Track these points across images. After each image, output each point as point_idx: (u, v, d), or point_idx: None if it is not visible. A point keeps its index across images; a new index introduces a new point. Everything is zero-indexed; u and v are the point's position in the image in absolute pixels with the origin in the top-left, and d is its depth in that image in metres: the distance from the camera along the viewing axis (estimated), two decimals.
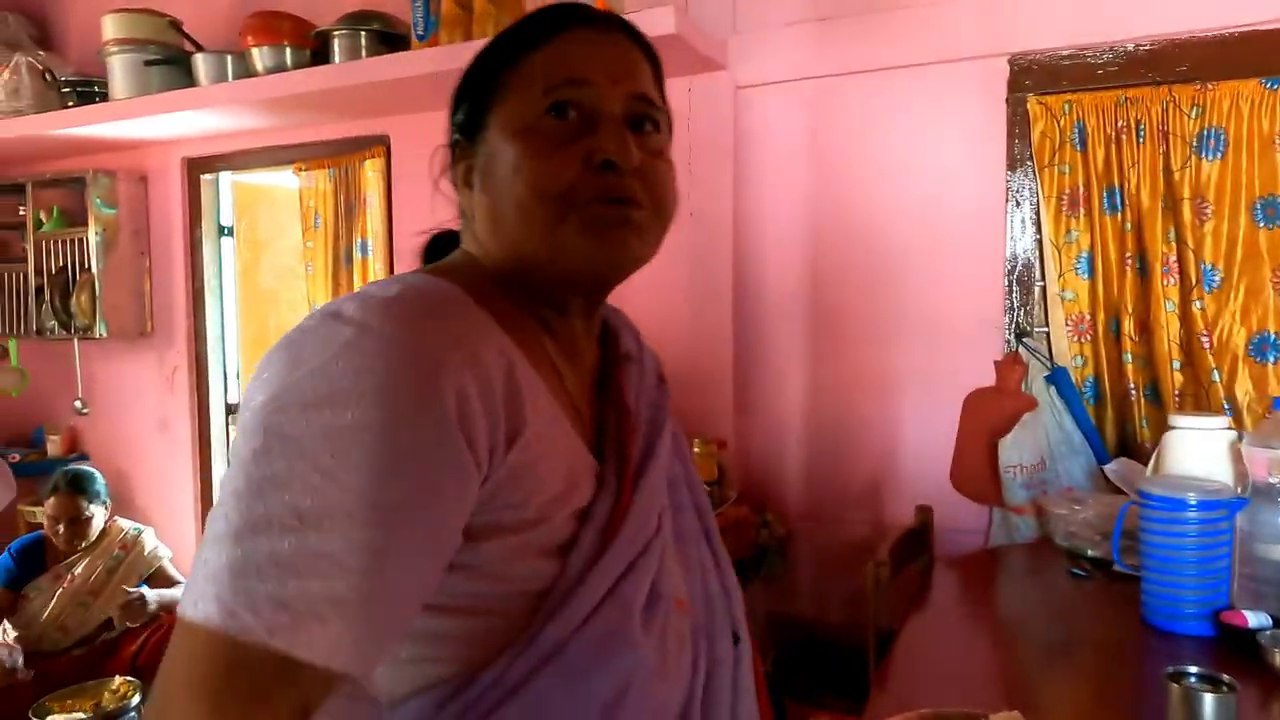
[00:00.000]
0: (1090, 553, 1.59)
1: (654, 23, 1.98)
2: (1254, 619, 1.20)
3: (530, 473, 0.56)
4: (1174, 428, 1.42)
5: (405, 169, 2.71)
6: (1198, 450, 1.37)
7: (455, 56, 2.22)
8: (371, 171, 2.70)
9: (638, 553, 0.60)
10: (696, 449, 2.06)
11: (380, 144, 2.69)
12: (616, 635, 0.57)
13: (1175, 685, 0.90)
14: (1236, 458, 1.35)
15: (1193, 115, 1.88)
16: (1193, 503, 1.25)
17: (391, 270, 2.74)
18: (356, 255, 2.75)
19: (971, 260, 2.10)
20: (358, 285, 2.77)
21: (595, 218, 0.62)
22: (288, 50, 2.50)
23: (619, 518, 0.60)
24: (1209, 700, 0.87)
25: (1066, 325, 2.02)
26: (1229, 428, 1.39)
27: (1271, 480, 1.27)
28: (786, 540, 2.23)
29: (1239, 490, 1.31)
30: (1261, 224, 1.85)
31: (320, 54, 2.49)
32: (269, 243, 3.46)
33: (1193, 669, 0.92)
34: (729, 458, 2.20)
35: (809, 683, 1.94)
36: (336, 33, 2.42)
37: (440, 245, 0.74)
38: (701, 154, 2.31)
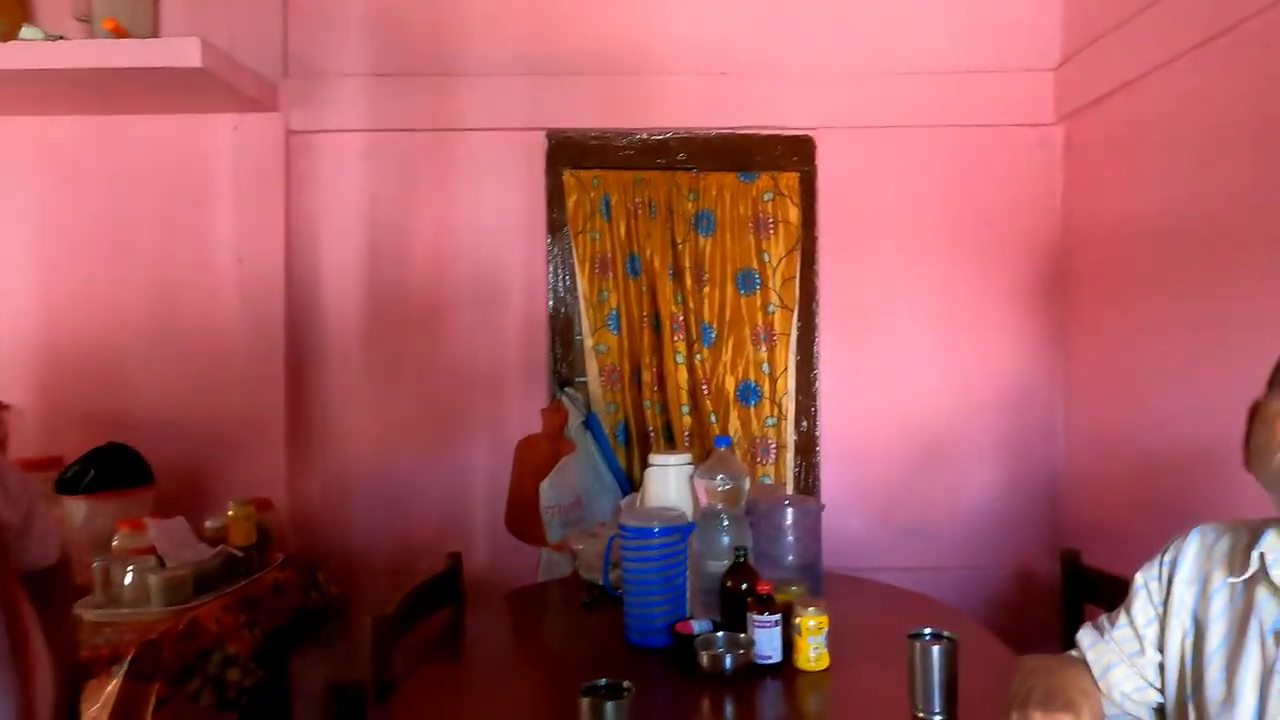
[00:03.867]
0: (600, 583, 1.76)
1: (179, 54, 1.84)
2: (698, 626, 1.41)
3: None
4: (650, 464, 1.63)
5: None
6: (666, 484, 1.59)
7: None
8: None
9: None
10: (231, 512, 1.91)
11: None
12: None
13: (584, 699, 1.02)
14: (692, 488, 1.59)
15: (690, 198, 2.23)
16: (653, 529, 1.44)
17: None
18: None
19: (520, 314, 2.25)
20: None
21: None
22: None
23: None
24: (609, 708, 1.00)
25: (600, 375, 2.25)
26: (689, 463, 1.63)
27: (713, 505, 1.51)
28: (342, 600, 2.14)
29: (694, 517, 1.54)
30: (743, 291, 2.24)
31: None
32: None
33: (601, 681, 1.04)
34: (275, 518, 2.07)
35: None
36: None
37: None
38: (250, 196, 2.18)
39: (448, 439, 2.24)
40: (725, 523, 1.49)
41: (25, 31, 1.89)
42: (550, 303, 2.25)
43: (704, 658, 1.32)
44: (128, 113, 2.15)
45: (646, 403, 2.22)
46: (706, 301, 2.24)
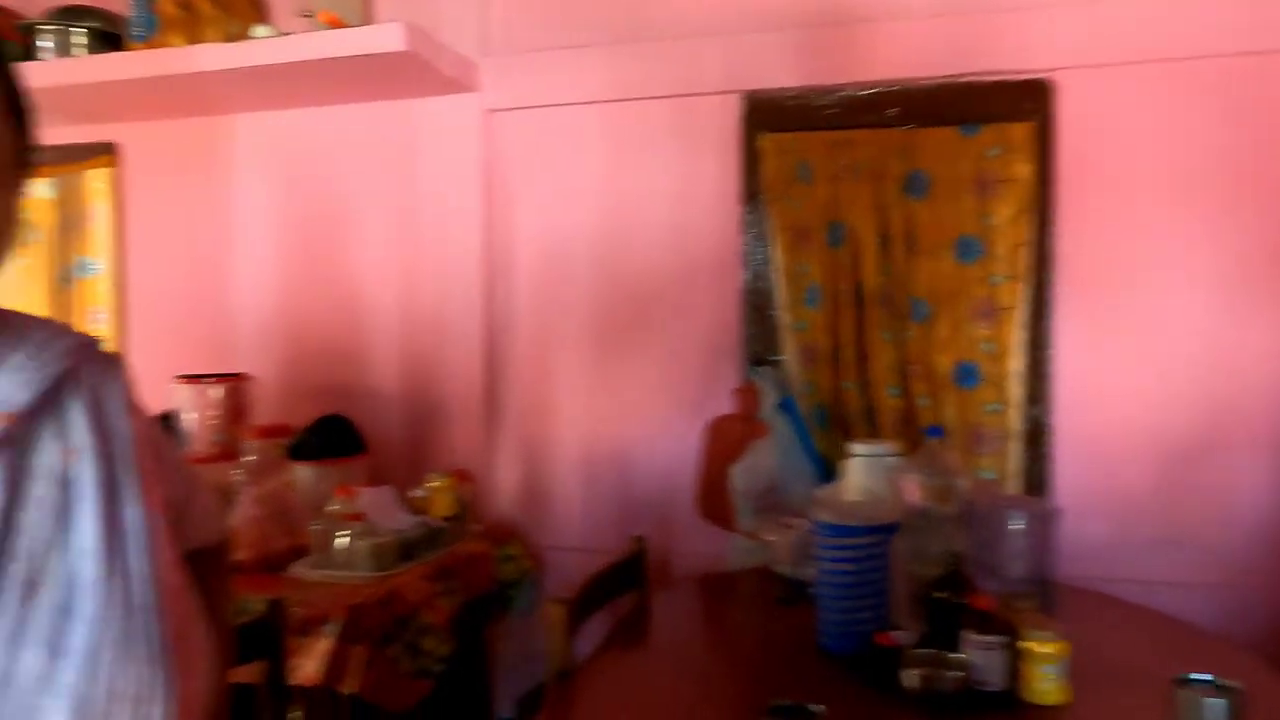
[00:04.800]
0: (794, 578, 1.63)
1: (384, 39, 1.91)
2: (902, 638, 1.25)
3: None
4: (851, 453, 1.47)
5: (141, 182, 2.49)
6: (869, 476, 1.43)
7: (182, 61, 2.06)
8: (97, 182, 2.46)
9: None
10: (433, 483, 1.98)
11: (106, 152, 2.45)
12: None
13: None
14: (898, 483, 1.41)
15: (902, 158, 2.01)
16: (853, 528, 1.29)
17: (123, 292, 2.49)
18: (75, 275, 2.48)
19: (712, 289, 2.14)
20: (79, 310, 2.51)
21: None
22: None
23: None
24: None
25: (798, 354, 2.09)
26: (894, 454, 1.45)
27: (923, 503, 1.33)
28: (535, 575, 2.17)
29: (898, 514, 1.37)
30: (962, 260, 1.99)
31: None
32: None
33: (786, 701, 0.93)
34: (472, 491, 2.13)
35: None
36: (44, 27, 2.19)
37: None
38: (450, 178, 2.24)
39: (637, 417, 2.20)
40: (936, 524, 1.31)
41: (258, 30, 2.04)
42: (744, 276, 2.12)
43: (909, 677, 1.16)
44: (343, 103, 2.28)
45: (847, 384, 2.04)
46: (918, 272, 2.01)
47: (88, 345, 0.67)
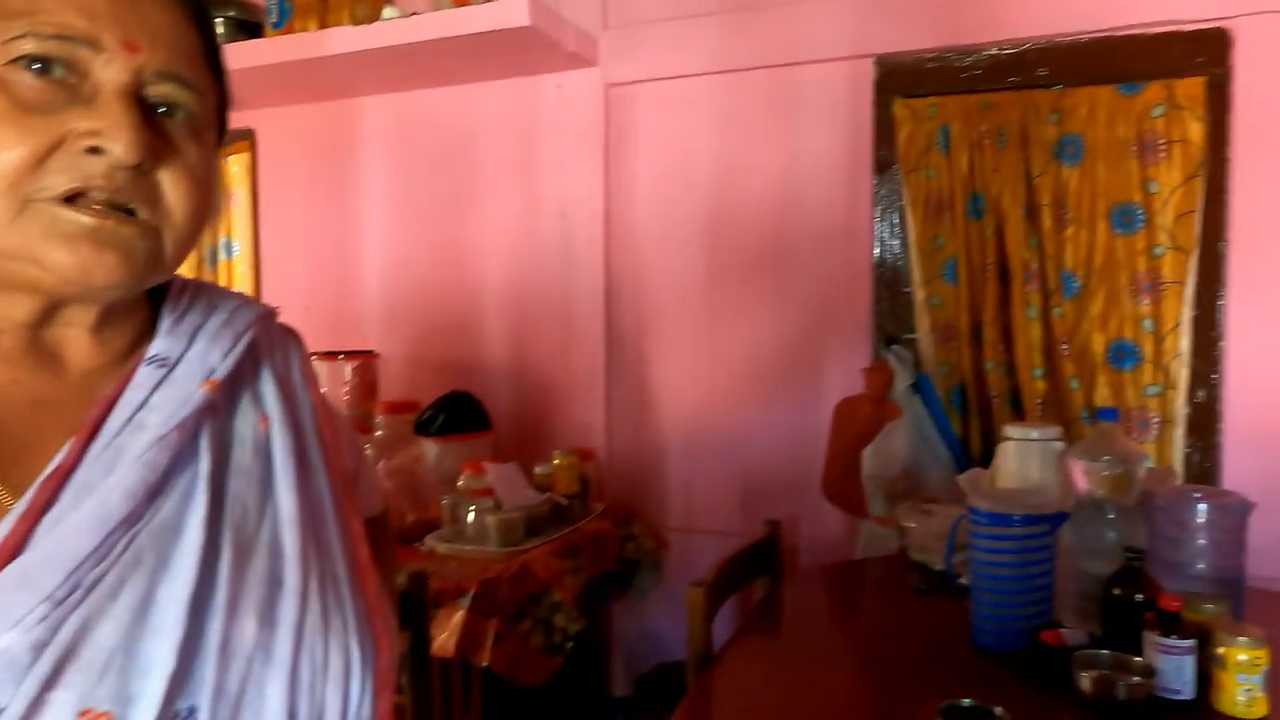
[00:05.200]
0: (935, 567, 1.55)
1: (507, 15, 1.89)
2: (1071, 637, 1.15)
3: None
4: (1006, 438, 1.38)
5: (275, 165, 2.58)
6: (1028, 462, 1.33)
7: (313, 45, 2.10)
8: (236, 166, 2.56)
9: None
10: (556, 460, 1.98)
11: (244, 139, 2.55)
12: None
13: None
14: (1064, 469, 1.31)
15: (1052, 121, 1.86)
16: (1014, 517, 1.21)
17: (259, 273, 2.60)
18: (221, 256, 2.60)
19: (844, 263, 2.06)
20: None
21: (67, 223, 0.49)
22: None
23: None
24: None
25: (933, 332, 1.99)
26: (1058, 439, 1.35)
27: (1094, 493, 1.23)
28: (657, 555, 2.15)
29: (1065, 504, 1.27)
30: (1119, 231, 1.84)
31: None
32: None
33: (966, 701, 0.86)
34: (595, 468, 2.12)
35: (669, 705, 1.86)
36: None
37: None
38: (571, 154, 2.23)
39: (763, 397, 2.14)
40: (1111, 515, 1.20)
41: (386, 12, 2.06)
42: (876, 251, 2.02)
43: (1085, 680, 1.06)
44: (467, 82, 2.29)
45: (989, 364, 1.92)
46: (1069, 244, 1.86)
47: (269, 316, 0.67)
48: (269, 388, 0.61)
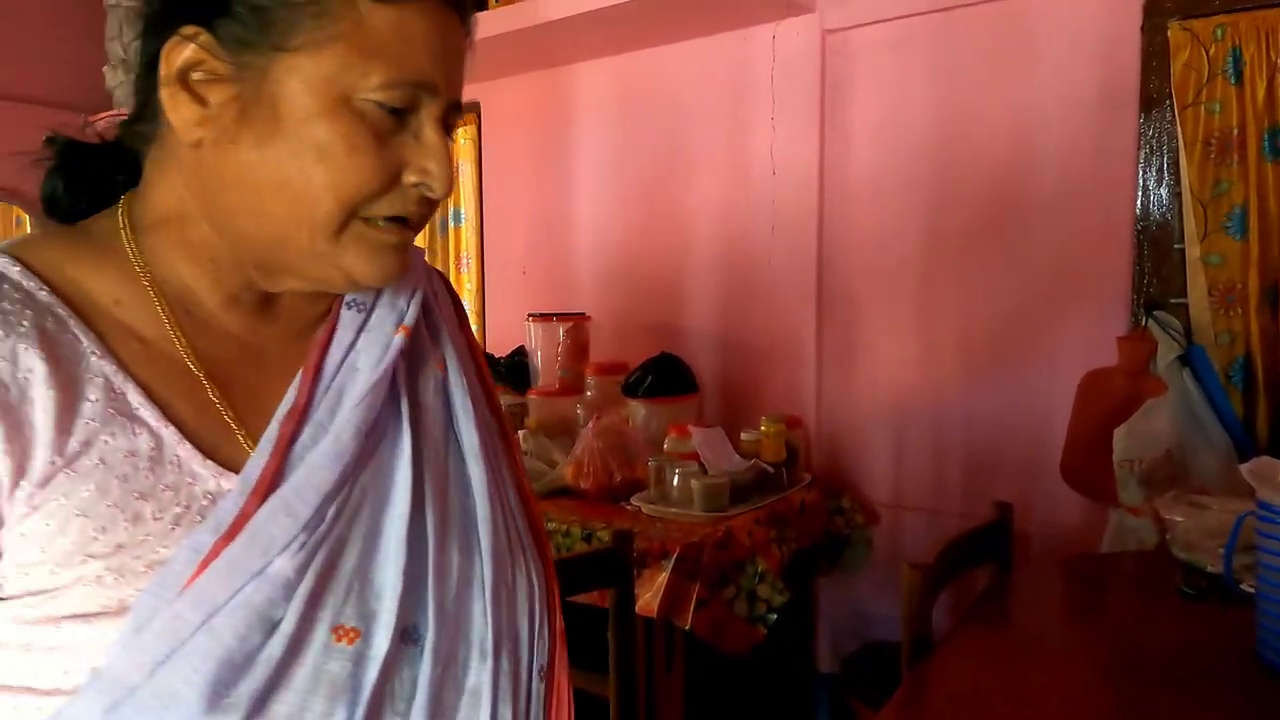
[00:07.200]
0: (1209, 569, 1.32)
1: None
2: None
3: None
4: None
5: (496, 136, 2.70)
6: None
7: (533, 12, 2.15)
8: (463, 140, 2.71)
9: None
10: (763, 427, 1.92)
11: (470, 111, 2.68)
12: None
13: None
14: None
15: None
16: None
17: (482, 239, 2.75)
18: (450, 224, 2.77)
19: (1094, 219, 1.81)
20: (453, 256, 2.81)
21: (377, 239, 0.55)
22: None
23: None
24: None
25: (1210, 295, 1.70)
26: None
27: None
28: (869, 530, 2.04)
29: None
30: None
31: None
32: None
33: None
34: (803, 437, 2.03)
35: (878, 687, 1.76)
36: None
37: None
38: (785, 106, 2.13)
39: (988, 369, 1.94)
40: None
41: None
42: (1138, 201, 1.76)
43: None
44: (680, 40, 2.26)
45: None
46: None
47: (427, 262, 0.71)
48: (439, 330, 0.65)
